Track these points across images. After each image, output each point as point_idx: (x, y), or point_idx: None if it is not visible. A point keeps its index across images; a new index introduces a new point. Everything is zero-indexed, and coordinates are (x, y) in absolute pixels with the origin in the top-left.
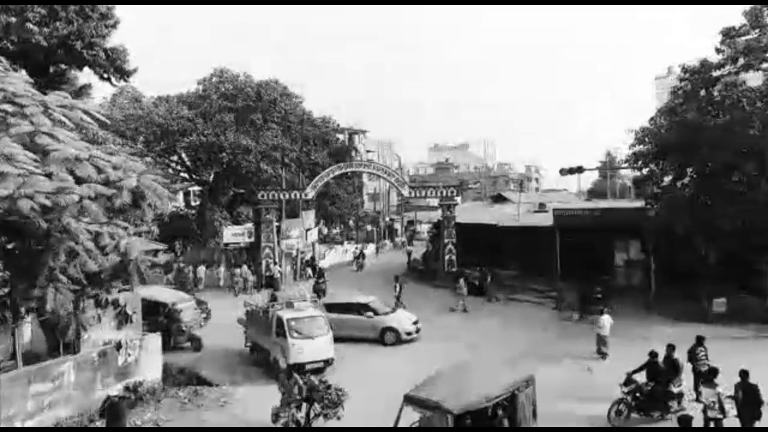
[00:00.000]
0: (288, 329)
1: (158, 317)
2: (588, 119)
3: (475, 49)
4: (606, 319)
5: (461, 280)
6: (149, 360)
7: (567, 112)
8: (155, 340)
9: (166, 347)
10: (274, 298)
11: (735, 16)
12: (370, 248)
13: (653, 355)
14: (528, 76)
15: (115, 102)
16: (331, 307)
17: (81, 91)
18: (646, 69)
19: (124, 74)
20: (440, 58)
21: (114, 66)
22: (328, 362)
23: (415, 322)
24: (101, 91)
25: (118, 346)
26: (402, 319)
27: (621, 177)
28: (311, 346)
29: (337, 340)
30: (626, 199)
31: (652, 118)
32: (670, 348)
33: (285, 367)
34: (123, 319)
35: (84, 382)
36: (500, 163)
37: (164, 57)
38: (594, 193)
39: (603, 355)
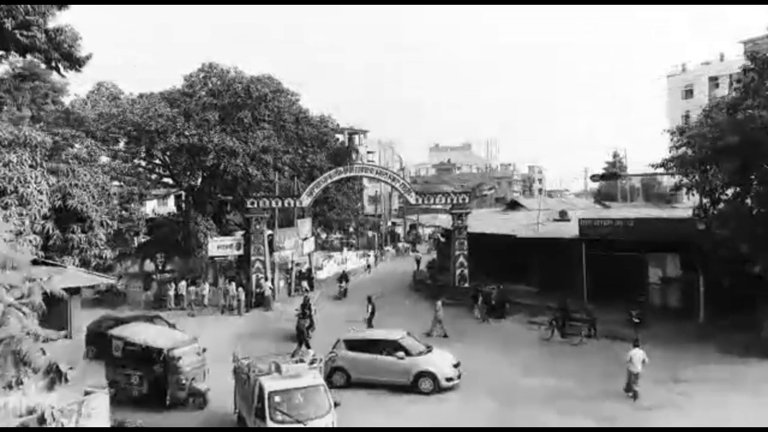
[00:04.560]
0: (269, 408)
1: (151, 366)
2: (588, 119)
3: (475, 49)
4: (637, 353)
5: (439, 302)
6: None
7: (567, 112)
8: (101, 400)
9: (161, 405)
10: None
11: (735, 16)
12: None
13: None
14: (528, 76)
15: (88, 100)
16: (352, 345)
17: (22, 83)
18: (646, 69)
19: (74, 62)
20: (440, 58)
21: (60, 51)
22: None
23: (456, 365)
24: (81, 88)
25: (42, 418)
26: (439, 361)
27: (629, 179)
28: None
29: (359, 385)
30: (632, 203)
31: (706, 115)
32: None
33: None
34: (56, 377)
35: None
36: (503, 164)
37: (163, 56)
38: (602, 194)
39: (634, 393)
